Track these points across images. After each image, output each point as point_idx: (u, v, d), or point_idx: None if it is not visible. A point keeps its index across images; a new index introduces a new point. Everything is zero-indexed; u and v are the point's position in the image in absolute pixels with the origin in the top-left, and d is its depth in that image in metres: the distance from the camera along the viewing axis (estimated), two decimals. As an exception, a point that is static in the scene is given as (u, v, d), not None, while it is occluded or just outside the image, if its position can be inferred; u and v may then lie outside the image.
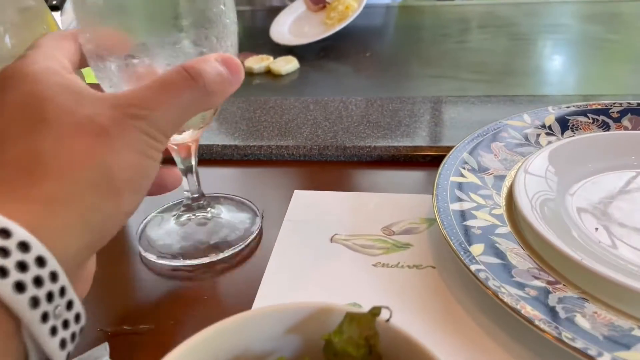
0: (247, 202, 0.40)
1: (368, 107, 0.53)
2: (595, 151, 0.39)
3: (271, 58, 0.79)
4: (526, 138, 0.42)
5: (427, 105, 0.53)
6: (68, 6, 1.08)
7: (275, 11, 0.94)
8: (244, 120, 0.52)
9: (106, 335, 0.29)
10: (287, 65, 0.77)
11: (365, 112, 0.52)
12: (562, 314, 0.26)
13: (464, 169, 0.38)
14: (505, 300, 0.27)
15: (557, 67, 0.75)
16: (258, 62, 0.78)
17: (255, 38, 0.84)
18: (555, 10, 1.02)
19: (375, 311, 0.20)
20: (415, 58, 0.80)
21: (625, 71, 0.71)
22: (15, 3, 0.35)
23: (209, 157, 0.47)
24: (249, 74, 0.76)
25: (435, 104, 0.53)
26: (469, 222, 0.33)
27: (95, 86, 0.31)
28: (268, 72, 0.77)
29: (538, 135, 0.43)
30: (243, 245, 0.36)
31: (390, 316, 0.20)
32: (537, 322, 0.25)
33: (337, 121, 0.50)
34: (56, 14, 1.04)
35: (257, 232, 0.37)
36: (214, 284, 0.33)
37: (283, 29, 0.91)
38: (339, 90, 0.67)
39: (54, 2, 1.04)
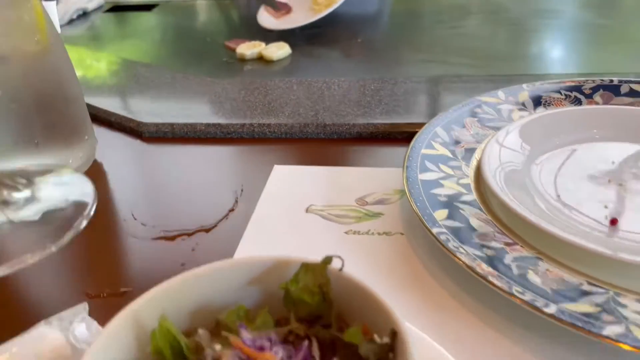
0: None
1: (350, 87, 0.54)
2: (560, 125, 0.40)
3: (263, 44, 0.80)
4: (499, 113, 0.44)
5: (408, 84, 0.54)
6: (64, -5, 1.10)
7: None
8: (228, 101, 0.53)
9: (88, 297, 0.31)
10: (279, 51, 0.78)
11: (347, 92, 0.53)
12: (516, 271, 0.27)
13: (436, 142, 0.40)
14: (462, 259, 0.28)
15: (546, 50, 0.76)
16: (250, 48, 0.79)
17: (247, 25, 0.85)
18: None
19: (327, 260, 0.22)
20: (406, 44, 0.81)
21: (613, 52, 0.71)
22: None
23: (193, 135, 0.49)
24: (241, 60, 0.77)
25: (416, 83, 0.54)
26: (436, 191, 0.34)
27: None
28: (260, 58, 0.78)
29: (511, 111, 0.44)
30: (220, 217, 0.38)
31: (343, 265, 0.22)
32: (490, 278, 0.27)
33: (318, 100, 0.52)
34: (52, 3, 1.05)
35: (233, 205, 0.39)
36: (192, 252, 0.35)
37: (270, 17, 0.92)
38: (329, 75, 0.69)
39: (50, -8, 1.05)
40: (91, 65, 0.72)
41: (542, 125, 0.40)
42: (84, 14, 1.10)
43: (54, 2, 1.05)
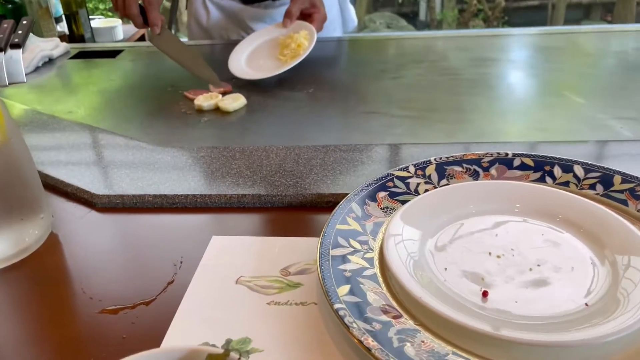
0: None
1: (287, 155, 0.61)
2: (450, 201, 0.47)
3: (220, 96, 0.86)
4: (408, 187, 0.50)
5: (338, 153, 0.61)
6: (29, 43, 1.14)
7: (232, 45, 1.01)
8: (175, 170, 0.59)
9: (38, 371, 0.36)
10: (235, 103, 0.84)
11: (283, 161, 0.60)
12: (395, 344, 0.34)
13: (350, 217, 0.46)
14: (354, 333, 0.34)
15: (476, 102, 0.83)
16: (207, 99, 0.85)
17: (215, 70, 0.91)
18: (485, 43, 1.11)
19: (226, 352, 0.27)
20: (353, 95, 0.88)
21: (538, 107, 0.79)
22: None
23: (142, 205, 0.54)
24: (199, 111, 0.83)
25: (345, 152, 0.61)
26: (342, 266, 0.41)
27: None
28: (217, 109, 0.84)
29: (418, 184, 0.51)
30: (160, 290, 0.43)
31: (240, 357, 0.27)
32: (373, 351, 0.33)
33: (257, 170, 0.58)
34: (17, 52, 1.09)
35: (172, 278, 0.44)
36: (132, 325, 0.40)
37: (240, 61, 0.98)
38: (281, 129, 0.75)
39: (16, 40, 1.09)
40: (50, 124, 0.76)
41: (433, 202, 0.47)
42: (50, 61, 1.15)
43: (20, 51, 1.10)
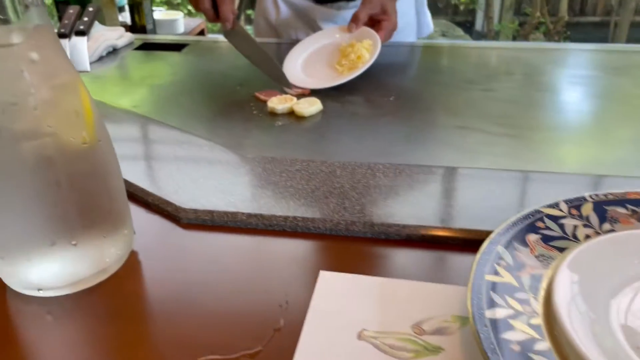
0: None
1: (396, 176, 0.52)
2: (621, 256, 0.38)
3: (294, 99, 0.79)
4: (563, 229, 0.41)
5: (457, 178, 0.52)
6: (94, 31, 1.09)
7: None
8: (270, 185, 0.51)
9: None
10: (311, 107, 0.77)
11: (393, 182, 0.51)
12: None
13: (499, 265, 0.37)
14: None
15: (583, 124, 0.74)
16: (282, 102, 0.78)
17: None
18: (582, 58, 1.01)
19: None
20: (440, 105, 0.79)
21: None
22: (49, 80, 0.34)
23: (233, 224, 0.46)
24: (272, 113, 0.76)
25: (468, 178, 0.52)
26: (507, 335, 0.32)
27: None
28: (291, 113, 0.77)
29: (575, 227, 0.41)
30: (265, 339, 0.35)
31: None
32: None
33: (364, 191, 0.49)
34: (82, 39, 1.04)
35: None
36: (237, 384, 0.32)
37: (296, 65, 0.91)
38: (362, 139, 0.68)
39: (81, 28, 1.04)
40: (120, 119, 0.70)
41: (606, 255, 0.38)
42: (114, 51, 1.10)
43: (85, 38, 1.05)
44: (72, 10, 1.10)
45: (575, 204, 0.43)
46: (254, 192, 0.50)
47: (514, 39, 4.22)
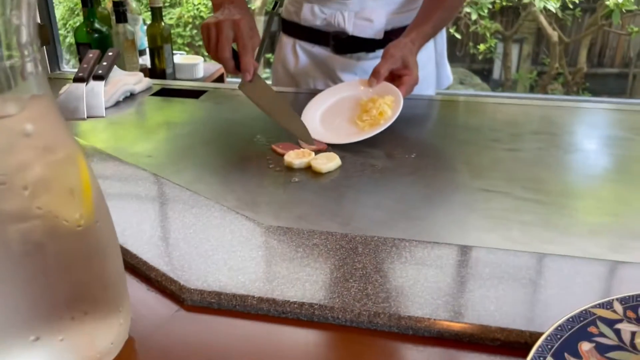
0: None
1: (424, 257, 0.47)
2: None
3: (312, 154, 0.75)
4: (619, 336, 0.36)
5: (494, 261, 0.47)
6: (113, 76, 1.07)
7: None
8: (284, 262, 0.46)
9: None
10: (329, 163, 0.73)
11: (421, 264, 0.46)
12: None
13: (550, 383, 0.32)
14: None
15: (616, 191, 0.69)
16: (299, 157, 0.75)
17: None
18: (607, 117, 0.96)
19: None
20: (463, 165, 0.75)
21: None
22: (44, 155, 0.31)
23: (242, 309, 0.42)
24: (289, 168, 0.73)
25: (502, 260, 0.47)
26: None
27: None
28: (308, 168, 0.73)
29: (633, 334, 0.36)
30: None
31: None
32: None
33: (389, 275, 0.44)
34: (100, 84, 1.03)
35: None
36: None
37: (315, 118, 0.88)
38: (382, 200, 0.64)
39: (100, 72, 1.03)
40: (128, 175, 0.66)
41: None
42: (131, 95, 1.08)
43: (102, 83, 1.03)
44: (92, 54, 1.09)
45: (632, 305, 0.38)
46: (266, 270, 0.45)
47: (532, 88, 4.21)
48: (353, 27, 1.05)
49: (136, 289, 0.44)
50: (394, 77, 0.91)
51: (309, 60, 1.14)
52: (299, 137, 0.81)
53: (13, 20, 0.28)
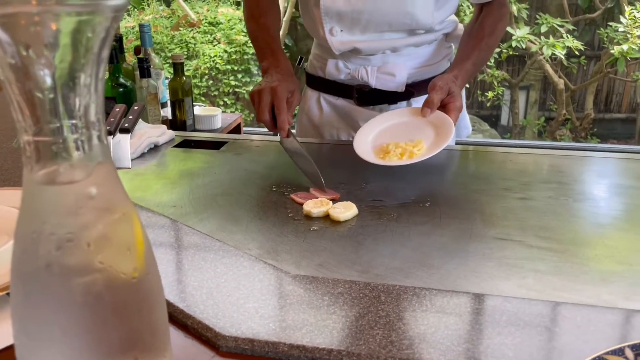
0: None
1: (444, 305, 0.50)
2: None
3: (330, 203, 0.79)
4: (632, 382, 0.38)
5: (510, 309, 0.49)
6: (137, 128, 1.13)
7: (342, 145, 0.96)
8: (312, 310, 0.49)
9: None
10: (347, 212, 0.76)
11: (441, 311, 0.49)
12: None
13: None
14: None
15: (627, 239, 0.71)
16: (317, 206, 0.78)
17: (323, 171, 0.86)
18: (616, 166, 0.99)
19: None
20: (477, 214, 0.78)
21: None
22: (105, 215, 0.34)
23: (274, 355, 0.44)
24: (307, 217, 0.76)
25: (519, 309, 0.49)
26: None
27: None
28: (327, 217, 0.76)
29: (646, 379, 0.38)
30: None
31: None
32: None
33: (412, 323, 0.47)
34: (126, 137, 1.08)
35: None
36: None
37: (367, 141, 0.94)
38: (398, 248, 0.67)
39: (126, 125, 1.08)
40: (159, 225, 0.70)
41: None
42: (155, 147, 1.13)
43: (128, 136, 1.08)
44: (118, 108, 1.14)
45: (643, 351, 0.40)
46: (295, 318, 0.48)
47: (540, 134, 4.26)
48: (376, 80, 1.11)
49: (175, 336, 0.47)
50: (441, 106, 0.95)
51: (332, 112, 1.19)
52: (315, 184, 0.86)
53: (83, 101, 0.32)
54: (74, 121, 0.32)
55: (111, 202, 0.35)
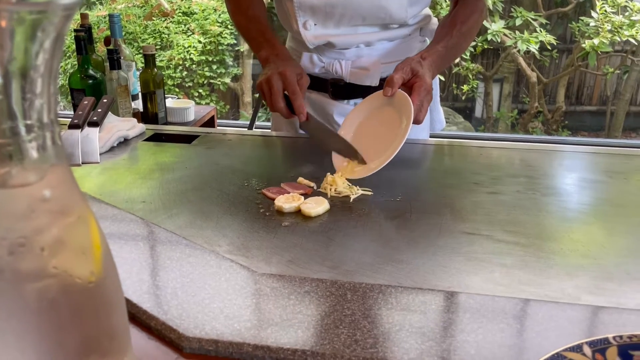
0: None
1: (409, 302, 0.50)
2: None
3: (302, 198, 0.78)
4: (589, 378, 0.39)
5: (474, 306, 0.50)
6: (107, 122, 1.11)
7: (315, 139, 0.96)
8: (277, 310, 0.49)
9: None
10: (318, 207, 0.76)
11: (407, 309, 0.49)
12: None
13: None
14: None
15: (592, 233, 0.72)
16: (289, 201, 0.78)
17: (301, 165, 0.86)
18: (584, 161, 1.01)
19: None
20: (446, 209, 0.78)
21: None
22: (60, 218, 0.34)
23: (239, 356, 0.44)
24: (279, 212, 0.76)
25: (482, 305, 0.50)
26: None
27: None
28: (298, 212, 0.76)
29: (602, 376, 0.39)
30: None
31: None
32: None
33: (377, 321, 0.47)
34: (95, 130, 1.06)
35: None
36: None
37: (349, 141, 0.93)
38: (368, 244, 0.67)
39: (94, 119, 1.06)
40: (124, 222, 0.69)
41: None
42: (125, 141, 1.11)
43: (97, 129, 1.06)
44: (87, 101, 1.12)
45: (600, 348, 0.41)
46: (261, 318, 0.48)
47: (513, 126, 4.31)
48: (350, 75, 1.10)
49: (137, 337, 0.46)
50: (407, 87, 0.92)
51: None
52: (355, 159, 0.88)
53: (36, 101, 0.31)
54: (26, 122, 0.31)
55: (66, 205, 0.34)
